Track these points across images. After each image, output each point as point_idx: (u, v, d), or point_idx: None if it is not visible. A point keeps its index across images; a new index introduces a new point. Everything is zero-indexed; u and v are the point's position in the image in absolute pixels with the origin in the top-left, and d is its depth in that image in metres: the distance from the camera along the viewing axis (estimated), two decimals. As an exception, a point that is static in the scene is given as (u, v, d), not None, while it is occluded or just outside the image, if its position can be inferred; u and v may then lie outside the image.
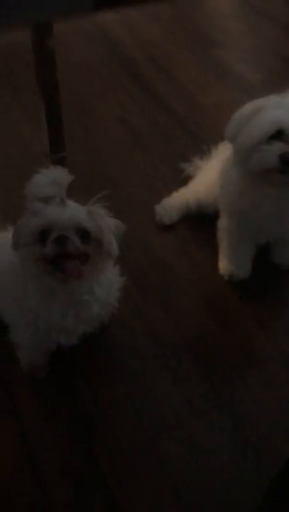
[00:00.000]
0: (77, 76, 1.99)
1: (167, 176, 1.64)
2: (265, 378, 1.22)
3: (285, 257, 1.39)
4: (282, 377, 1.22)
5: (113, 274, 1.08)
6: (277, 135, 1.08)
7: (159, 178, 1.64)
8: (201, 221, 1.50)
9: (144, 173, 1.66)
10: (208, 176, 1.45)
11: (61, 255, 0.92)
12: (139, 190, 1.60)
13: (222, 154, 1.42)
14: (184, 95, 1.94)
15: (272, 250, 1.40)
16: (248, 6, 2.46)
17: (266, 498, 1.00)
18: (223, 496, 1.04)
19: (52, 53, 1.45)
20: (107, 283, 1.03)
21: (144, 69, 2.05)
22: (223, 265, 1.37)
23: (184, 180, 1.59)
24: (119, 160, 1.69)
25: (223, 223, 1.32)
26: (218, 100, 1.91)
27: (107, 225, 0.96)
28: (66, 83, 1.74)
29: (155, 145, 1.74)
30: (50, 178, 0.94)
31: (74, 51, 2.11)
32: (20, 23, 0.53)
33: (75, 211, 0.94)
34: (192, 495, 1.04)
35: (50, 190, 0.94)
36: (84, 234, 0.93)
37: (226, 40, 2.24)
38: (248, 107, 1.13)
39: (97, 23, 2.26)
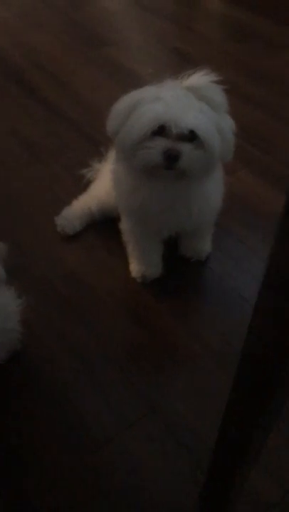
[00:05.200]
0: None
1: (69, 184, 1.59)
2: (191, 376, 1.19)
3: (193, 248, 1.37)
4: (208, 371, 1.19)
5: (7, 297, 1.03)
6: (159, 130, 1.05)
7: (62, 188, 1.59)
8: (107, 226, 1.46)
9: (45, 185, 1.60)
10: (106, 179, 1.41)
11: None
12: (42, 204, 1.54)
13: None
14: (76, 99, 1.89)
15: (180, 244, 1.38)
16: (133, 2, 2.45)
17: (202, 493, 0.98)
18: (163, 502, 1.01)
19: None
20: (0, 308, 0.98)
21: (33, 77, 1.99)
22: (134, 267, 1.34)
23: (86, 186, 1.54)
24: (16, 176, 1.62)
25: (124, 224, 1.29)
26: (111, 100, 1.87)
27: None
28: None
29: (53, 154, 1.69)
30: None
31: None
32: None
33: None
34: (132, 508, 1.00)
35: None
36: None
37: (115, 39, 2.22)
38: (126, 101, 1.09)
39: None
